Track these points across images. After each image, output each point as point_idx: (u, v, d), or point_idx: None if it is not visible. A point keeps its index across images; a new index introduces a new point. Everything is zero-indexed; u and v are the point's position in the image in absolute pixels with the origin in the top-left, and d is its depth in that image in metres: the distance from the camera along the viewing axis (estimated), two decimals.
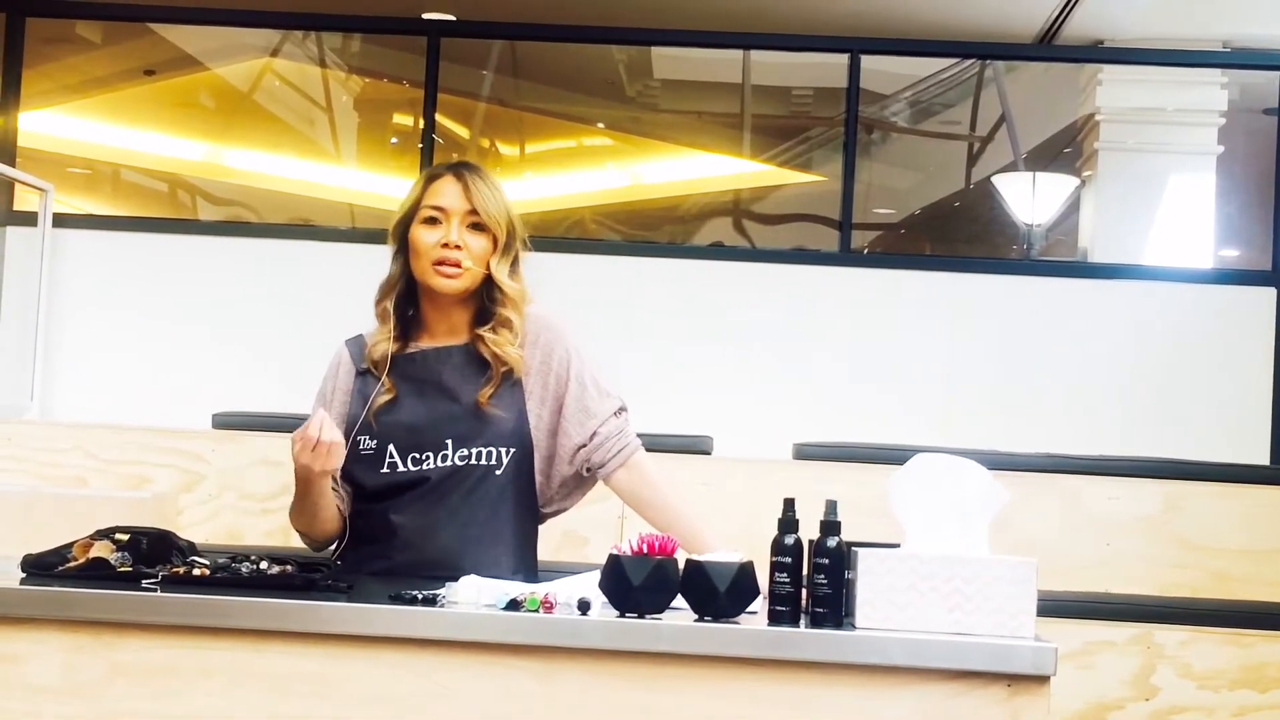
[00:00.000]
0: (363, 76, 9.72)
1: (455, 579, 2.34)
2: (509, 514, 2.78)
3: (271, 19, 7.92)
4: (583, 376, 2.81)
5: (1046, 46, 8.27)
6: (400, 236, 2.84)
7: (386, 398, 2.78)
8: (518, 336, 2.78)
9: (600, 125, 10.28)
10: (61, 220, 6.01)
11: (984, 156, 9.67)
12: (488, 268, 2.78)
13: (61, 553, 2.40)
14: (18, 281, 5.92)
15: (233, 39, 8.85)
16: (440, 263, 2.76)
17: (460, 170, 2.82)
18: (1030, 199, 8.83)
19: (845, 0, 7.92)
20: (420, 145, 6.23)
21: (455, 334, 2.83)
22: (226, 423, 4.63)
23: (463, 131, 9.38)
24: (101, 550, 2.37)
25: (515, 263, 2.84)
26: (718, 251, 7.58)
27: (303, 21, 8.27)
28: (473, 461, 2.74)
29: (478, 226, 2.78)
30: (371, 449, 2.77)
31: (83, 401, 5.82)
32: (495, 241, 2.79)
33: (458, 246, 2.75)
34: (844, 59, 6.17)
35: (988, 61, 8.80)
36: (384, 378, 2.79)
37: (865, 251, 8.73)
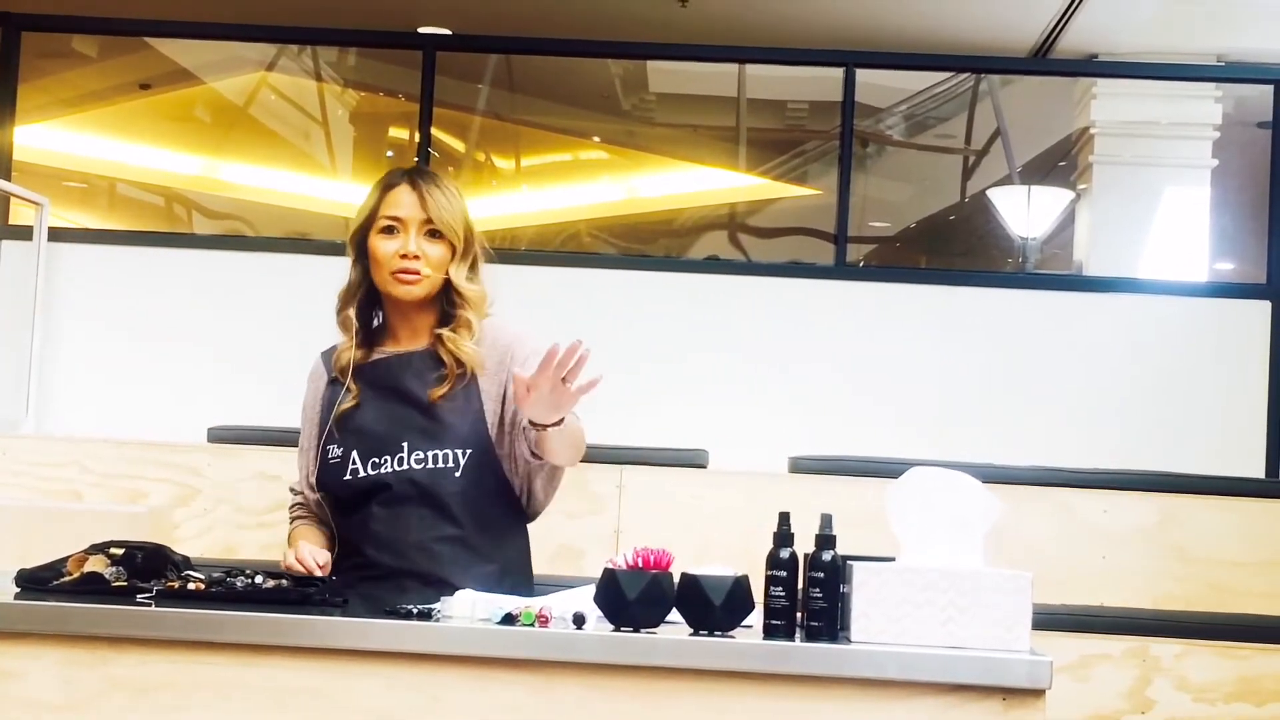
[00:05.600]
0: (358, 90, 9.73)
1: (440, 583, 2.35)
2: (480, 516, 2.78)
3: (267, 33, 7.93)
4: (529, 361, 2.81)
5: (1041, 60, 8.29)
6: (359, 244, 2.88)
7: (350, 405, 2.82)
8: (475, 336, 2.82)
9: (596, 139, 10.30)
10: (57, 234, 6.01)
11: (979, 170, 9.69)
12: (447, 273, 2.82)
13: (56, 567, 2.39)
14: (13, 295, 5.91)
15: (228, 53, 8.86)
16: (399, 271, 2.80)
17: (415, 178, 2.86)
18: (1025, 212, 8.84)
19: (840, 14, 7.94)
20: (416, 159, 6.23)
21: (417, 338, 2.87)
22: (222, 436, 4.63)
23: (458, 145, 9.39)
24: (96, 565, 2.37)
25: (475, 266, 2.88)
26: (713, 265, 7.58)
27: (298, 36, 8.27)
28: (429, 465, 2.76)
29: (434, 234, 2.82)
30: (338, 457, 2.81)
31: (78, 415, 5.81)
32: (453, 248, 2.83)
33: (416, 256, 2.80)
34: (839, 73, 6.18)
35: (983, 75, 8.82)
36: (348, 385, 2.83)
37: (861, 265, 8.75)
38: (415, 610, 2.24)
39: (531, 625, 2.19)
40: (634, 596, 2.19)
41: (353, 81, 9.70)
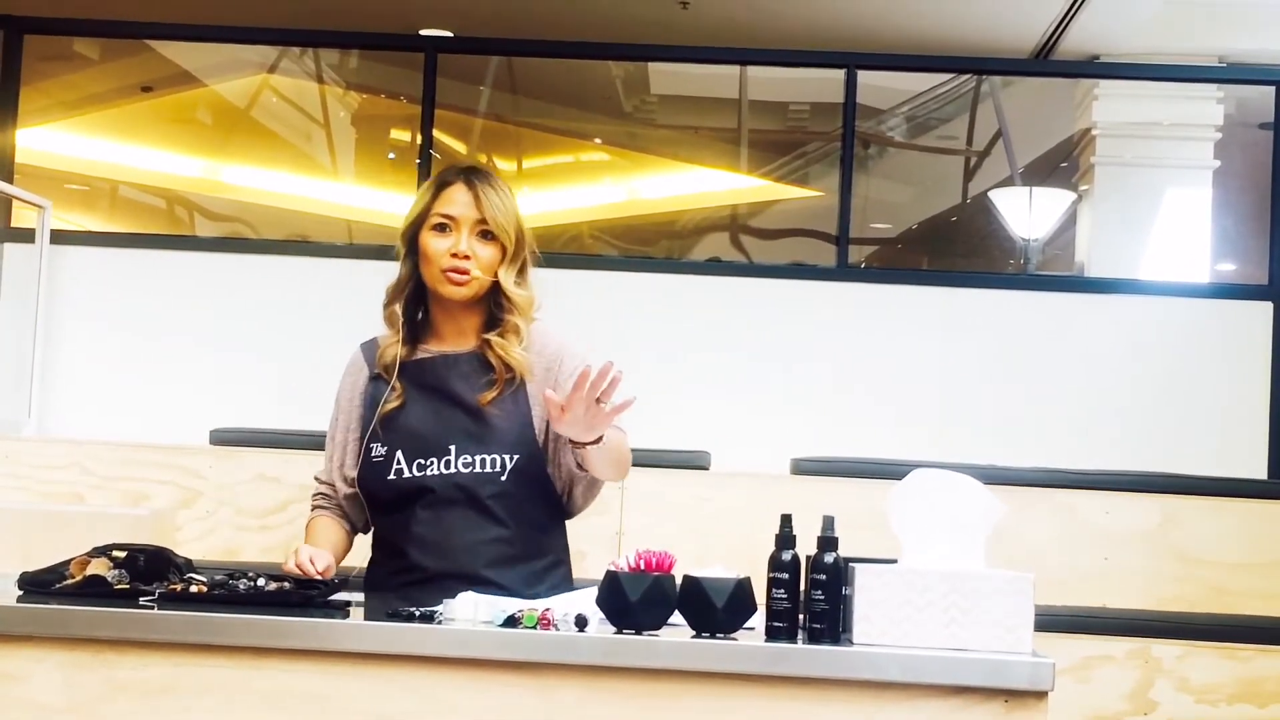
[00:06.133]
0: (360, 92, 9.74)
1: (485, 584, 2.39)
2: (524, 517, 2.78)
3: (269, 36, 7.93)
4: (568, 382, 2.81)
5: (1043, 61, 8.29)
6: (410, 240, 2.86)
7: (395, 404, 2.80)
8: (523, 341, 2.80)
9: (597, 140, 10.30)
10: (59, 237, 6.01)
11: (981, 171, 9.69)
12: (496, 275, 2.80)
13: (58, 570, 2.39)
14: (15, 298, 5.91)
15: (230, 55, 8.87)
16: (449, 270, 2.78)
17: (471, 177, 2.84)
18: (1027, 213, 8.84)
19: (842, 15, 7.94)
20: (418, 161, 6.23)
21: (463, 338, 2.85)
22: (224, 439, 4.63)
23: (460, 147, 9.39)
24: (98, 568, 2.37)
25: (523, 270, 2.86)
26: (715, 266, 7.58)
27: (300, 38, 8.28)
28: (476, 469, 2.75)
29: (487, 235, 2.81)
30: (381, 456, 2.78)
31: (80, 418, 5.81)
32: (504, 250, 2.81)
33: (466, 256, 2.78)
34: (840, 74, 6.17)
35: (984, 76, 8.82)
36: (393, 383, 2.81)
37: (862, 266, 8.75)
38: (418, 613, 2.24)
39: (534, 627, 2.19)
40: (636, 598, 2.19)
41: (354, 83, 9.71)
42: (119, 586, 2.34)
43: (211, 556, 4.24)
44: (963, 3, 7.65)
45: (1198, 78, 7.79)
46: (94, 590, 2.32)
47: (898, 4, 7.76)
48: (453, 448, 2.75)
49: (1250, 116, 8.03)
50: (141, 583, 2.36)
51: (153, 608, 2.25)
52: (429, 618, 2.23)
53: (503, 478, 2.75)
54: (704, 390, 5.86)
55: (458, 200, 2.82)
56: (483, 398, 2.77)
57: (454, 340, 2.85)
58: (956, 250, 10.66)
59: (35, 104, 7.45)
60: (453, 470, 2.74)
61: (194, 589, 2.34)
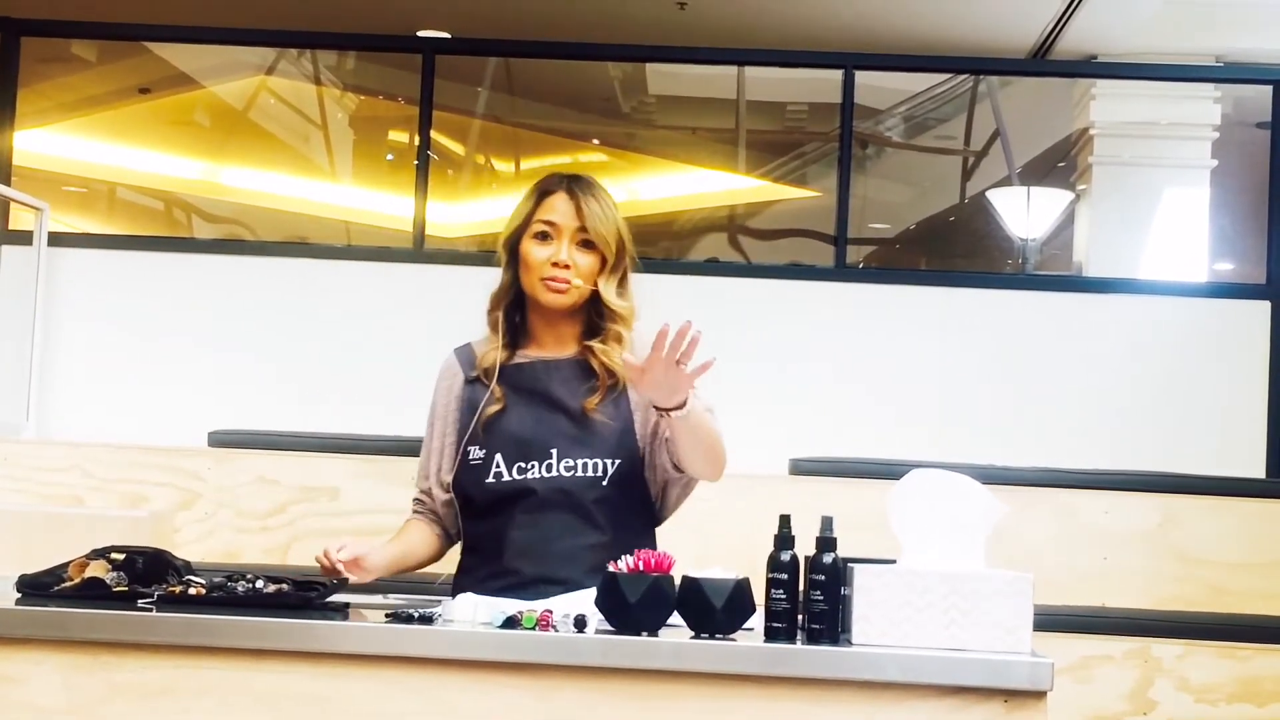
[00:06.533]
0: (358, 94, 9.74)
1: (580, 590, 2.42)
2: (621, 523, 2.77)
3: (267, 38, 7.93)
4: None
5: (1040, 61, 8.30)
6: (511, 247, 2.86)
7: (495, 408, 2.80)
8: (626, 350, 2.80)
9: (595, 141, 10.30)
10: (57, 239, 6.01)
11: (978, 171, 9.70)
12: (596, 285, 2.81)
13: (57, 573, 2.39)
14: (13, 300, 5.91)
15: (228, 57, 8.87)
16: (549, 279, 2.79)
17: (573, 186, 2.85)
18: (1025, 213, 8.85)
19: (839, 16, 7.95)
20: (416, 162, 6.23)
21: (562, 345, 2.86)
22: (223, 440, 4.63)
23: (458, 148, 9.39)
24: (97, 570, 2.37)
25: (624, 279, 2.86)
26: (713, 267, 7.58)
27: (298, 40, 8.28)
28: (578, 473, 2.75)
29: (587, 244, 2.81)
30: (480, 459, 2.78)
31: (79, 420, 5.81)
32: (604, 259, 2.82)
33: (567, 265, 2.78)
34: (838, 74, 6.17)
35: (982, 76, 8.82)
36: (493, 387, 2.81)
37: (860, 266, 8.75)
38: (417, 614, 2.24)
39: (533, 629, 2.19)
40: (635, 600, 2.19)
41: (352, 85, 9.71)
42: (118, 589, 2.33)
43: (211, 559, 4.24)
44: (960, 3, 7.66)
45: (1195, 77, 7.80)
46: (93, 592, 2.32)
47: (895, 4, 7.77)
48: (554, 451, 2.75)
49: (1248, 116, 8.03)
50: (140, 585, 2.35)
51: (151, 610, 2.25)
52: (428, 619, 2.23)
53: (604, 482, 2.75)
54: (702, 390, 5.84)
55: (559, 208, 2.82)
56: (588, 402, 2.77)
57: (553, 347, 2.86)
58: (955, 250, 10.66)
59: (33, 106, 7.45)
60: (555, 474, 2.74)
61: (192, 591, 2.34)
